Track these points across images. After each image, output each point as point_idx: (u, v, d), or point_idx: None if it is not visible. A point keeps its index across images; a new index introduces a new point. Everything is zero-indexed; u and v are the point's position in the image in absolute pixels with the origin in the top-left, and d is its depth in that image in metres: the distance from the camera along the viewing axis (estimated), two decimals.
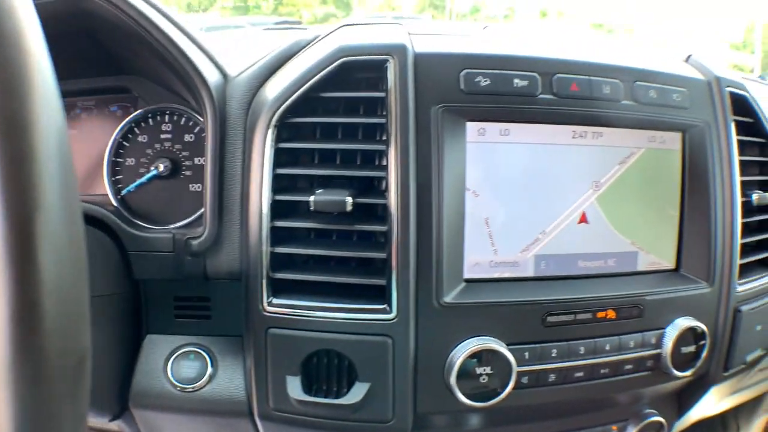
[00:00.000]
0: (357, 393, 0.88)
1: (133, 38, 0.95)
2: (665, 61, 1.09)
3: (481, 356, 0.89)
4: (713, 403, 1.22)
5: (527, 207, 0.95)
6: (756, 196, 1.12)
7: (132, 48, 1.02)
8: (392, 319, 0.88)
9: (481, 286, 0.94)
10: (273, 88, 0.93)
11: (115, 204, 1.10)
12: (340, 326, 0.89)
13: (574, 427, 1.07)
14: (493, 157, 0.93)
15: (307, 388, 0.90)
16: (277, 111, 0.90)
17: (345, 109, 0.95)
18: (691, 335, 1.02)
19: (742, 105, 1.13)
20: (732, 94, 1.09)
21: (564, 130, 0.96)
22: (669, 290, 1.02)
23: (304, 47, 1.00)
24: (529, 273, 0.97)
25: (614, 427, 1.10)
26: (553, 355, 0.94)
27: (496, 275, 0.96)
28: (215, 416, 1.02)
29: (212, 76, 0.97)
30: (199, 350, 1.04)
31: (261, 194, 0.90)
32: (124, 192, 1.10)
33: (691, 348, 1.02)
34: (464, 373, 0.89)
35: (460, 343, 0.90)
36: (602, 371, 0.98)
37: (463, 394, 0.89)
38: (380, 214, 0.92)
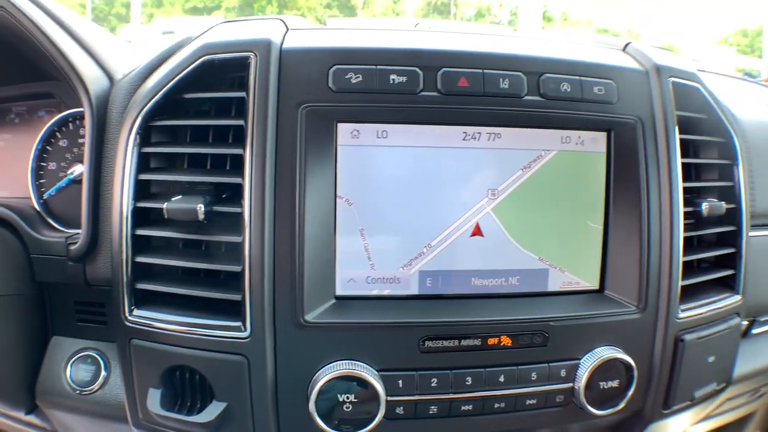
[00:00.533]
0: (211, 412, 0.78)
1: (30, 42, 0.89)
2: (591, 51, 0.89)
3: (345, 383, 0.76)
4: None
5: (410, 217, 0.81)
6: (706, 206, 0.89)
7: (41, 53, 0.97)
8: (246, 338, 0.77)
9: (354, 305, 0.81)
10: (140, 91, 0.85)
11: (37, 207, 1.06)
12: (196, 342, 0.79)
13: None
14: (369, 162, 0.79)
15: (171, 402, 0.81)
16: (140, 114, 0.81)
17: (216, 110, 0.84)
18: (615, 368, 0.83)
19: (692, 98, 0.91)
20: (677, 85, 0.88)
21: (453, 132, 0.80)
22: (586, 315, 0.83)
23: (184, 46, 0.91)
24: (413, 291, 0.82)
25: None
26: (434, 385, 0.79)
27: (374, 292, 0.82)
28: (106, 420, 0.96)
29: (95, 80, 0.90)
30: (96, 355, 0.98)
31: (122, 201, 0.81)
32: (45, 195, 1.06)
33: (614, 383, 0.83)
34: (326, 401, 0.76)
35: (323, 367, 0.77)
36: (497, 405, 0.81)
37: (326, 423, 0.76)
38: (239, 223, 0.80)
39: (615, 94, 0.83)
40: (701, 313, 0.91)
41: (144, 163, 0.83)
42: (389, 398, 0.78)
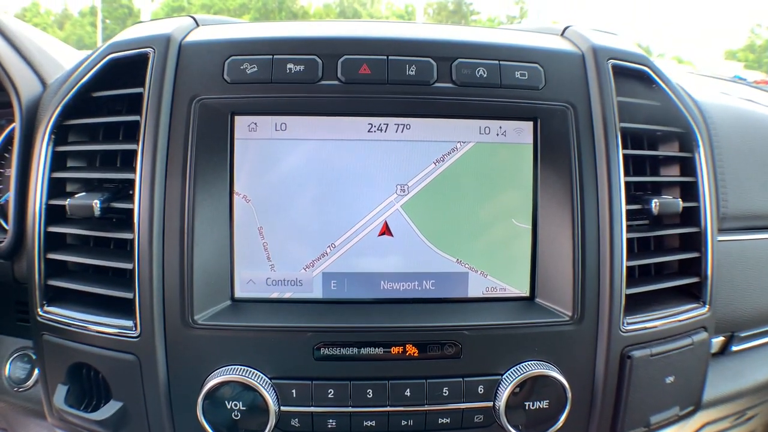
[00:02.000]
0: (107, 410, 0.72)
1: None
2: (518, 35, 0.77)
3: (234, 390, 0.67)
4: None
5: (312, 215, 0.72)
6: (656, 203, 0.75)
7: None
8: (136, 337, 0.70)
9: (251, 307, 0.72)
10: (59, 92, 0.81)
11: None
12: (94, 340, 0.73)
13: None
14: (268, 156, 0.71)
15: (79, 400, 0.76)
16: (54, 113, 0.77)
17: (126, 108, 0.79)
18: (544, 387, 0.70)
19: (638, 83, 0.77)
20: (619, 68, 0.75)
21: (357, 123, 0.71)
22: (508, 324, 0.71)
23: None
24: (316, 294, 0.73)
25: None
26: (330, 396, 0.69)
27: (274, 295, 0.73)
28: (36, 417, 0.92)
29: (27, 84, 0.87)
30: (32, 353, 0.94)
31: (35, 198, 0.77)
32: (2, 200, 1.05)
33: (542, 404, 0.70)
34: (214, 407, 0.68)
35: (215, 371, 0.69)
36: (404, 423, 0.70)
37: (214, 429, 0.68)
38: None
39: (541, 79, 0.71)
40: (654, 327, 0.75)
41: (60, 162, 0.79)
42: (283, 408, 0.69)
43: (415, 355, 0.69)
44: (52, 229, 0.76)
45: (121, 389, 0.72)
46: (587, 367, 0.73)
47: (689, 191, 0.80)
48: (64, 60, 0.97)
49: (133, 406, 0.72)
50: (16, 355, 0.96)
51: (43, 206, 0.76)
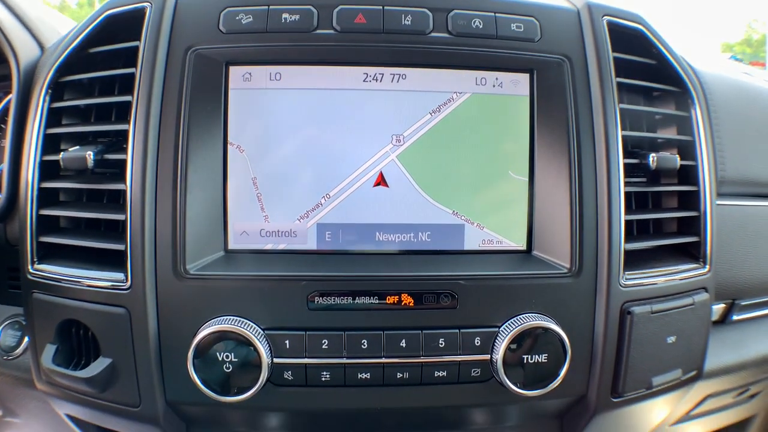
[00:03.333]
0: (95, 367, 0.68)
1: None
2: None
3: (225, 341, 0.63)
4: (613, 427, 0.80)
5: (306, 165, 0.69)
6: (654, 158, 0.72)
7: None
8: (127, 289, 0.66)
9: (244, 258, 0.69)
10: (55, 51, 0.79)
11: None
12: (84, 294, 0.69)
13: None
14: (262, 106, 0.69)
15: (67, 360, 0.72)
16: (51, 70, 0.75)
17: (123, 63, 0.77)
18: (543, 340, 0.66)
19: (633, 41, 0.75)
20: (614, 25, 0.73)
21: (352, 73, 0.69)
22: (505, 276, 0.67)
23: None
24: (310, 246, 0.70)
25: None
26: (325, 347, 0.65)
27: (268, 247, 0.70)
28: (26, 387, 0.87)
29: (24, 46, 0.86)
30: (23, 320, 0.90)
31: (29, 155, 0.75)
32: None
33: (541, 358, 0.66)
34: (205, 360, 0.64)
35: (207, 323, 0.65)
36: (399, 375, 0.66)
37: (205, 384, 0.64)
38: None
39: (537, 32, 0.69)
40: (653, 283, 0.72)
41: (55, 119, 0.77)
42: (276, 360, 0.65)
43: (411, 305, 0.66)
44: (46, 184, 0.74)
45: (110, 345, 0.68)
46: (586, 322, 0.69)
47: (686, 150, 0.77)
48: (62, 27, 0.96)
49: (122, 363, 0.68)
50: (6, 322, 0.92)
51: (37, 162, 0.74)
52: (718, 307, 0.89)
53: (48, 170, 0.74)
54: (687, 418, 0.98)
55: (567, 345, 0.66)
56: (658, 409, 0.83)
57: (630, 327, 0.70)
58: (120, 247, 0.67)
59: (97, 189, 0.72)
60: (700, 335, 0.77)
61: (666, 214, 0.76)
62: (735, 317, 0.90)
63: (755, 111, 0.94)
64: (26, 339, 0.88)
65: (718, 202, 0.83)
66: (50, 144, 0.75)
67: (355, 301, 0.65)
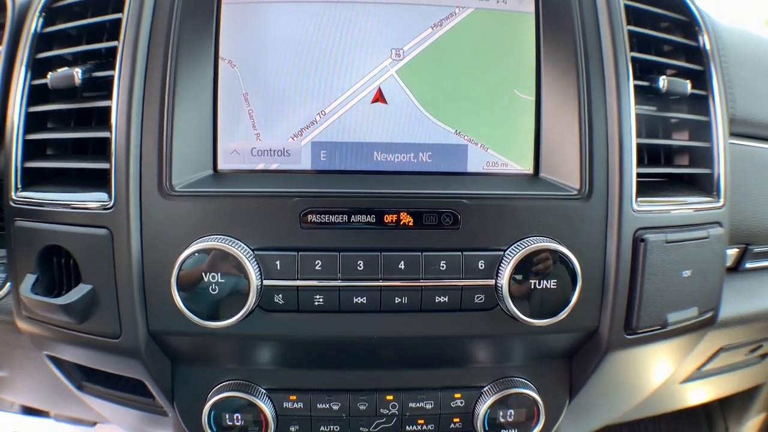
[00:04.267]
0: (74, 294, 0.62)
1: None
2: None
3: (211, 261, 0.57)
4: (621, 378, 0.74)
5: (301, 80, 0.63)
6: (664, 80, 0.66)
7: None
8: (110, 208, 0.60)
9: (233, 177, 0.63)
10: None
11: None
12: (66, 217, 0.63)
13: (397, 384, 0.68)
14: (256, 18, 0.63)
15: (48, 291, 0.66)
16: None
17: None
18: (551, 265, 0.60)
19: None
20: None
21: None
22: (511, 195, 0.61)
23: None
24: (304, 165, 0.64)
25: (457, 395, 0.68)
26: (318, 268, 0.59)
27: (260, 167, 0.64)
28: (8, 331, 0.81)
29: None
30: (6, 261, 0.84)
31: (18, 79, 0.69)
32: None
33: (549, 284, 0.60)
34: (190, 282, 0.58)
35: (192, 243, 0.59)
36: (398, 301, 0.60)
37: (189, 308, 0.58)
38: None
39: None
40: (667, 211, 0.66)
41: (46, 44, 0.72)
42: (266, 283, 0.59)
43: (410, 224, 0.60)
44: (33, 109, 0.68)
45: (90, 271, 0.62)
46: (597, 250, 0.63)
47: (697, 81, 0.72)
48: None
49: (102, 289, 0.62)
50: None
51: (26, 87, 0.68)
52: (732, 252, 0.83)
53: (37, 96, 0.69)
54: (697, 375, 0.91)
55: (577, 270, 0.60)
56: (672, 355, 0.77)
57: (643, 256, 0.63)
58: (104, 165, 0.62)
59: (84, 109, 0.66)
60: (715, 272, 0.71)
61: (678, 142, 0.71)
62: (748, 265, 0.84)
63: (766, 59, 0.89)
64: (8, 285, 0.83)
65: (730, 141, 0.77)
66: (40, 69, 0.70)
67: (351, 220, 0.59)
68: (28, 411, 1.43)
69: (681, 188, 0.71)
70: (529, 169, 0.65)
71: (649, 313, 0.66)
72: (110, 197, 0.61)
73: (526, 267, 0.59)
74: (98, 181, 0.63)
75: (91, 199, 0.62)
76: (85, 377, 0.80)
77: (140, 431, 0.95)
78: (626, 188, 0.63)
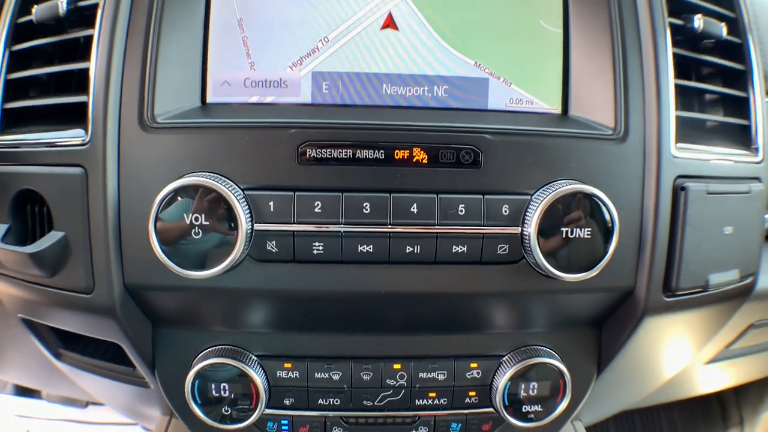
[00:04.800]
0: (44, 242, 0.53)
1: None
2: None
3: (195, 199, 0.49)
4: (652, 352, 0.65)
5: (300, 3, 0.55)
6: (699, 18, 0.59)
7: None
8: (86, 144, 0.52)
9: (223, 109, 0.55)
10: None
11: None
12: (41, 158, 0.55)
13: (405, 352, 0.59)
14: None
15: (20, 242, 0.57)
16: None
17: None
18: (584, 211, 0.51)
19: None
20: None
21: None
22: (541, 132, 0.53)
23: None
24: (305, 98, 0.55)
25: (473, 365, 0.59)
26: (318, 210, 0.50)
27: (253, 99, 0.55)
28: None
29: None
30: None
31: (4, 18, 0.61)
32: None
33: (583, 233, 0.51)
34: (170, 225, 0.49)
35: (175, 181, 0.50)
36: (409, 250, 0.51)
37: (169, 255, 0.49)
38: None
39: None
40: (707, 159, 0.58)
41: None
42: (257, 227, 0.50)
43: (424, 161, 0.51)
44: (17, 47, 0.60)
45: (63, 216, 0.53)
46: (634, 197, 0.55)
47: (732, 28, 0.64)
48: None
49: (75, 237, 0.53)
50: None
51: (10, 25, 0.60)
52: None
53: (20, 34, 0.60)
54: (723, 355, 0.83)
55: (615, 216, 0.51)
56: (706, 327, 0.68)
57: (684, 206, 0.55)
58: (83, 98, 0.53)
59: (69, 48, 0.58)
60: (756, 232, 0.63)
61: (717, 89, 0.63)
62: None
63: None
64: None
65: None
66: (24, 7, 0.61)
67: (356, 156, 0.50)
68: (22, 392, 1.36)
69: (718, 139, 0.63)
70: (556, 108, 0.57)
71: (690, 272, 0.57)
72: (87, 132, 0.52)
73: (556, 213, 0.51)
74: (78, 118, 0.55)
75: (67, 136, 0.54)
76: (63, 345, 0.71)
77: (130, 411, 0.86)
78: (665, 130, 0.55)
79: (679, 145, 0.56)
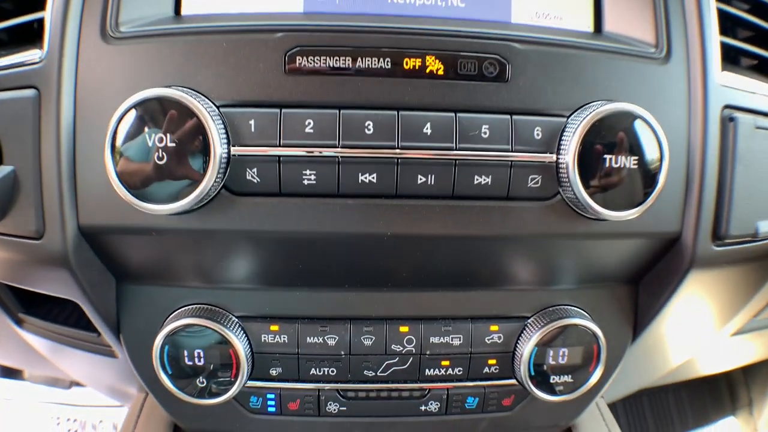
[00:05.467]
0: None
1: None
2: None
3: (156, 116, 0.39)
4: (694, 311, 0.56)
5: None
6: None
7: None
8: (40, 62, 0.42)
9: (199, 20, 0.44)
10: None
11: None
12: None
13: (414, 312, 0.49)
14: None
15: None
16: None
17: None
18: (634, 135, 0.42)
19: None
20: None
21: None
22: (577, 45, 0.43)
23: None
24: (296, 7, 0.45)
25: (494, 327, 0.49)
26: (309, 130, 0.40)
27: (235, 8, 0.45)
28: None
29: None
30: None
31: None
32: None
33: (629, 162, 0.42)
34: (129, 148, 0.39)
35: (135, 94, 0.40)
36: (421, 180, 0.41)
37: (127, 184, 0.39)
38: None
39: None
40: (753, 91, 0.49)
41: None
42: (235, 150, 0.40)
43: (440, 73, 0.41)
44: None
45: (13, 147, 0.43)
46: (680, 126, 0.45)
47: None
48: None
49: (25, 171, 0.43)
50: None
51: None
52: None
53: None
54: (750, 326, 0.74)
55: (663, 142, 0.42)
56: (746, 287, 0.59)
57: (734, 140, 0.46)
58: (41, 14, 0.43)
59: None
60: None
61: (758, 20, 0.54)
62: None
63: None
64: None
65: None
66: None
67: (357, 65, 0.40)
68: (5, 373, 1.27)
69: (758, 76, 0.54)
70: (588, 26, 0.48)
71: (740, 216, 0.48)
72: (42, 48, 0.42)
73: (598, 138, 0.41)
74: (38, 41, 0.45)
75: (21, 57, 0.44)
76: (24, 309, 0.60)
77: (112, 390, 0.75)
78: (710, 53, 0.45)
79: (725, 72, 0.47)
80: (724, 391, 1.18)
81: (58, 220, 0.43)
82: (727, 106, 0.47)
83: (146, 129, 0.39)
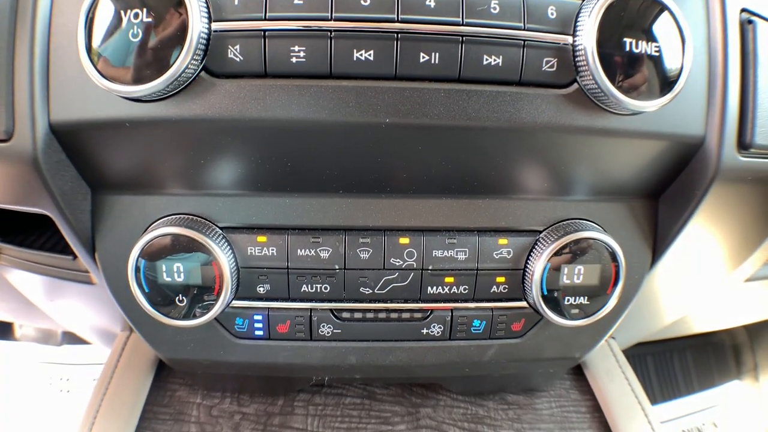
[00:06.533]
0: None
1: None
2: None
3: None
4: (716, 232, 0.50)
5: None
6: None
7: None
8: None
9: None
10: None
11: None
12: None
13: (415, 222, 0.43)
14: None
15: None
16: None
17: None
18: (654, 19, 0.36)
19: None
20: None
21: None
22: None
23: None
24: None
25: (503, 241, 0.44)
26: (298, 1, 0.34)
27: None
28: None
29: None
30: None
31: None
32: None
33: (652, 48, 0.36)
34: (100, 25, 0.33)
35: None
36: (423, 58, 0.35)
37: (97, 65, 0.33)
38: None
39: None
40: None
41: None
42: (216, 26, 0.34)
43: None
44: None
45: None
46: (698, 24, 0.40)
47: None
48: None
49: None
50: None
51: None
52: None
53: None
54: (761, 273, 0.69)
55: (684, 28, 0.36)
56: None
57: (753, 42, 0.41)
58: None
59: None
60: None
61: None
62: None
63: None
64: None
65: None
66: None
67: None
68: None
69: None
70: None
71: (765, 124, 0.43)
72: None
73: (617, 20, 0.36)
74: None
75: None
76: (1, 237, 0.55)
77: (102, 335, 0.70)
78: None
79: None
80: (729, 354, 1.13)
81: (28, 117, 0.37)
82: (744, 10, 0.42)
83: (122, 4, 0.33)
